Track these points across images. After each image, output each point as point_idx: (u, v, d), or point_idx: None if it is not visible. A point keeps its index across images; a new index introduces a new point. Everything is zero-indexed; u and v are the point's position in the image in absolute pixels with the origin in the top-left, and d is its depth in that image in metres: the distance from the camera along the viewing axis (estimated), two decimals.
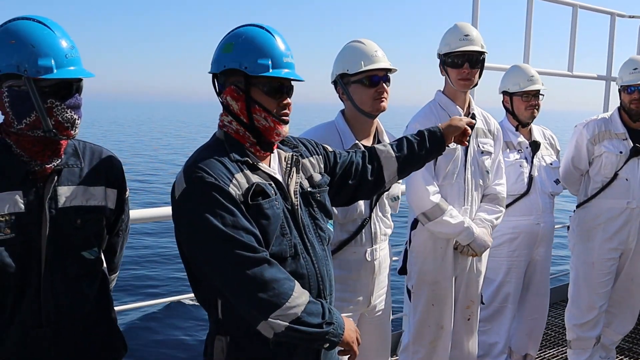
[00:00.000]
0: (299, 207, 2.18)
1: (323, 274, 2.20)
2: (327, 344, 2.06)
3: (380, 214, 3.08)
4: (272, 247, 2.04)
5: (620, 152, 4.29)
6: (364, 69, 2.93)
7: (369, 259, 3.02)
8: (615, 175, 4.31)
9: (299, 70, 2.17)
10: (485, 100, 5.65)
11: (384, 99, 2.97)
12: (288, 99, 2.16)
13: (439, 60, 3.63)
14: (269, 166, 2.19)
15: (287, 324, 1.96)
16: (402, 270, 3.70)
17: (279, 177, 2.17)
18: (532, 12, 5.53)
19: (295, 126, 2.39)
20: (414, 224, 3.62)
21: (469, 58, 3.51)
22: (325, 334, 2.03)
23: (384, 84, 2.96)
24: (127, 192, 2.31)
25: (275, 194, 2.10)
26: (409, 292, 3.70)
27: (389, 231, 3.18)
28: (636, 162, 4.29)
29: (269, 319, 1.95)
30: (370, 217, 3.02)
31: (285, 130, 2.17)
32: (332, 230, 2.34)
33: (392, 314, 3.38)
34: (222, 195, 1.97)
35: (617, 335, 4.75)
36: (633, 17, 6.64)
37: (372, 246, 3.05)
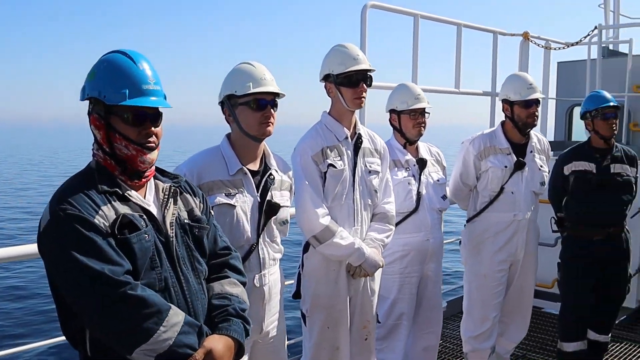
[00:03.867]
0: (174, 238, 2.12)
1: (197, 308, 2.14)
2: None
3: (268, 239, 3.04)
4: (140, 281, 1.98)
5: (505, 167, 4.43)
6: (252, 91, 2.89)
7: (257, 285, 2.98)
8: (502, 189, 4.44)
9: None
10: (375, 119, 5.74)
11: (270, 124, 2.95)
12: (152, 127, 2.09)
13: (324, 82, 3.62)
14: (144, 197, 2.14)
15: (153, 357, 1.93)
16: (297, 295, 3.66)
17: (152, 209, 2.12)
18: (418, 31, 5.67)
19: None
20: (306, 247, 3.59)
21: (363, 77, 3.53)
22: None
23: (271, 109, 2.94)
24: None
25: (146, 226, 2.05)
26: (303, 316, 3.66)
27: (279, 255, 3.15)
28: (520, 175, 4.44)
29: (134, 354, 1.92)
30: (257, 242, 2.98)
31: (151, 157, 2.11)
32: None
33: (294, 339, 3.33)
34: (86, 227, 1.91)
35: (511, 344, 4.87)
36: (514, 35, 6.95)
37: (261, 272, 3.01)
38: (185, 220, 2.20)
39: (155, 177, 2.23)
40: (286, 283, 3.41)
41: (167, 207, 2.15)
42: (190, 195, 2.31)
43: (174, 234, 2.12)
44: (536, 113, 4.42)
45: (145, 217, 2.06)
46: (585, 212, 4.60)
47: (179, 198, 2.23)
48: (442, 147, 4.81)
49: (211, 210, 2.41)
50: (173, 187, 2.22)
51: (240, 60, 3.11)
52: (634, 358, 5.47)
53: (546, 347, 5.65)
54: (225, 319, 2.19)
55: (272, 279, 3.08)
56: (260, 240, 2.99)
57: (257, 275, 2.98)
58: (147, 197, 2.15)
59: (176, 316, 1.98)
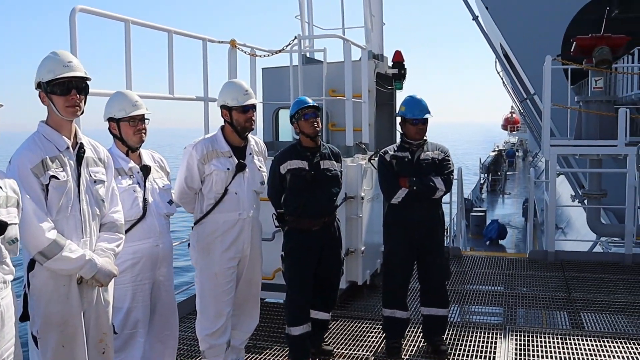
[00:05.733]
0: None
1: None
2: None
3: None
4: None
5: (228, 169, 4.64)
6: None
7: None
8: (226, 190, 4.65)
9: None
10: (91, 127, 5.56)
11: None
12: None
13: (38, 90, 3.48)
14: None
15: None
16: (24, 317, 3.43)
17: None
18: (130, 37, 5.60)
19: None
20: (31, 265, 3.39)
21: (76, 85, 3.45)
22: None
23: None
24: None
25: None
26: (34, 338, 3.45)
27: (10, 277, 2.94)
28: (242, 176, 4.69)
29: None
30: None
31: None
32: None
33: None
34: None
35: (244, 334, 5.11)
36: (222, 42, 7.22)
37: None
38: None
39: None
40: None
41: None
42: None
43: None
44: (253, 117, 4.70)
45: None
46: (303, 206, 5.02)
47: None
48: (160, 150, 4.84)
49: None
50: None
51: None
52: (349, 332, 6.11)
53: (273, 334, 6.03)
54: None
55: (5, 303, 2.87)
56: None
57: None
58: None
59: None
